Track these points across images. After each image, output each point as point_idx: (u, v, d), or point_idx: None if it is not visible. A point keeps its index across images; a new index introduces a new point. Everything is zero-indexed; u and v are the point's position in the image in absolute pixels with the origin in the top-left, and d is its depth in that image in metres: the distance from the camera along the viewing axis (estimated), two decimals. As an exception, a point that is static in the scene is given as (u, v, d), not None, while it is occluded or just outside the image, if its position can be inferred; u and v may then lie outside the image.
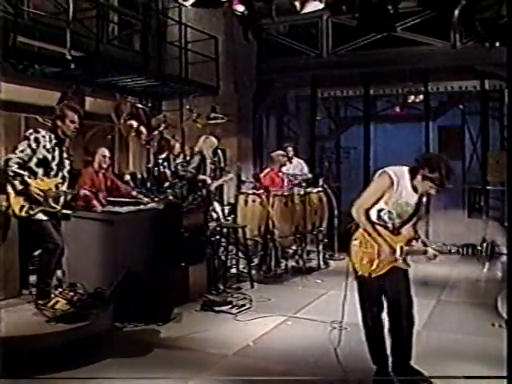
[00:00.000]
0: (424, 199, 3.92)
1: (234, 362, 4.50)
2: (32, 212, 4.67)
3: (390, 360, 3.98)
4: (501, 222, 10.10)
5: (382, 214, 3.86)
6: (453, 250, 3.73)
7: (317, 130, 12.34)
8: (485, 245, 3.67)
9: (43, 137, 4.75)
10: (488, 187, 10.42)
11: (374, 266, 3.80)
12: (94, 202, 6.25)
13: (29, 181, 4.64)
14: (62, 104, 5.06)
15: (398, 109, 13.87)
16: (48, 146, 4.77)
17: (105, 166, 6.74)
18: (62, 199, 4.88)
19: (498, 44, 8.12)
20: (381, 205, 3.84)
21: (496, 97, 11.06)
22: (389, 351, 3.97)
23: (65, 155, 4.94)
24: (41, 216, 4.71)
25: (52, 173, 4.81)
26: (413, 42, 10.40)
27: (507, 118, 9.56)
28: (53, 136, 4.82)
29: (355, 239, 3.88)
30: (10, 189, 4.63)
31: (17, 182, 4.60)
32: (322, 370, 4.24)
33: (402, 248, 3.80)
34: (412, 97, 12.76)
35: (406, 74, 10.89)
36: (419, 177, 3.75)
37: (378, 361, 3.99)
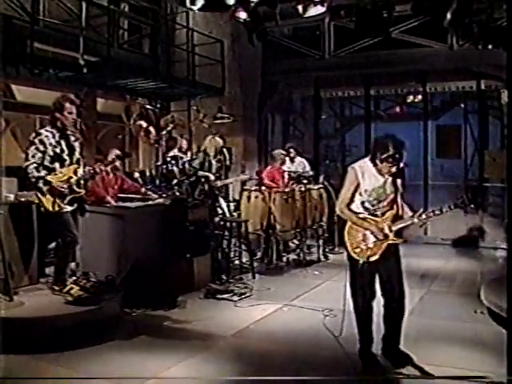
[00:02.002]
0: (395, 180, 4.24)
1: (233, 342, 4.89)
2: (63, 205, 5.02)
3: (381, 344, 4.36)
4: (499, 218, 10.34)
5: (365, 204, 4.26)
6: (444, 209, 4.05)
7: (322, 128, 12.60)
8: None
9: (46, 136, 5.02)
10: (486, 184, 10.65)
11: (369, 250, 4.17)
12: (108, 198, 6.67)
13: (50, 178, 4.97)
14: (60, 96, 5.18)
15: (397, 108, 14.18)
16: (53, 142, 5.04)
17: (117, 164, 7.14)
18: (82, 182, 5.20)
19: (490, 46, 8.42)
20: (360, 197, 4.24)
21: (495, 96, 11.32)
22: (374, 334, 4.36)
23: (72, 138, 5.20)
24: (68, 207, 5.07)
25: (66, 162, 5.11)
26: (411, 44, 10.67)
27: (507, 118, 9.84)
28: (54, 131, 5.08)
29: (347, 232, 4.29)
30: (38, 193, 4.99)
31: (41, 185, 4.95)
32: (312, 349, 4.65)
33: (389, 225, 4.18)
34: (411, 97, 13.05)
35: (405, 74, 11.17)
36: (378, 161, 4.13)
37: (364, 342, 4.36)
